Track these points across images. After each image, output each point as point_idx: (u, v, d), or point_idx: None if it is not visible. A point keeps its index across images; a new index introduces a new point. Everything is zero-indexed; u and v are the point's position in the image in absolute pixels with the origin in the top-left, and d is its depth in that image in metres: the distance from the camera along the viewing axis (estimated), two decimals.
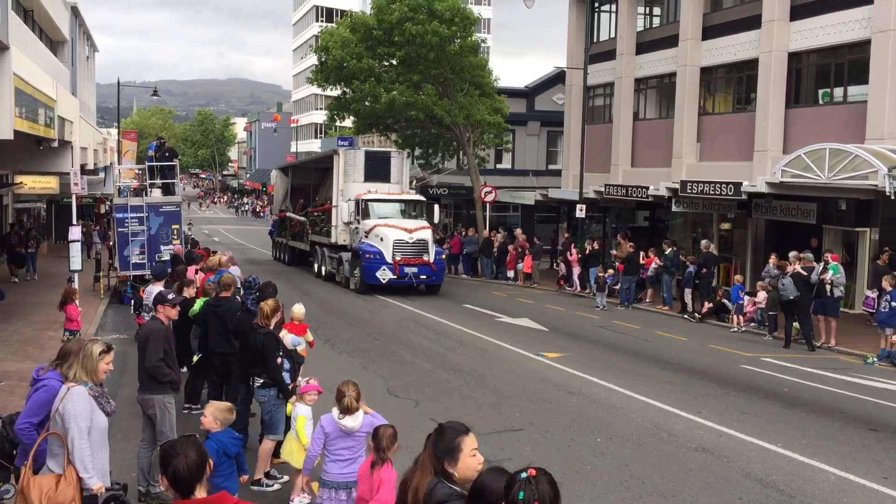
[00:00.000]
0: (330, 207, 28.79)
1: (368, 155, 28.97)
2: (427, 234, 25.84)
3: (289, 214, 35.21)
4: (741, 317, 20.48)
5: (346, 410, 6.75)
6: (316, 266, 30.70)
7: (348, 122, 42.97)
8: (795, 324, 18.98)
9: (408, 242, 25.22)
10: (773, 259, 20.86)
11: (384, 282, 25.00)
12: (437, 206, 29.12)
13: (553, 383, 13.74)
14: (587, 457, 9.80)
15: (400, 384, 13.42)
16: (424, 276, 25.51)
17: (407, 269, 25.05)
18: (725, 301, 21.66)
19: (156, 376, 8.30)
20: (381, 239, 25.28)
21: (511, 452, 9.68)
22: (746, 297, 20.96)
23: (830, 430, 11.19)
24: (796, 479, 9.16)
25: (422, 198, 28.75)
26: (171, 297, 8.99)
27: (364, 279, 25.41)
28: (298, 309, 9.90)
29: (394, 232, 25.33)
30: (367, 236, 25.85)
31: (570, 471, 9.06)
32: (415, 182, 37.53)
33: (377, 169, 28.06)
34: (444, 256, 28.18)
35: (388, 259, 25.05)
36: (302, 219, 33.01)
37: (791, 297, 17.89)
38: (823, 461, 9.72)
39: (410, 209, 27.36)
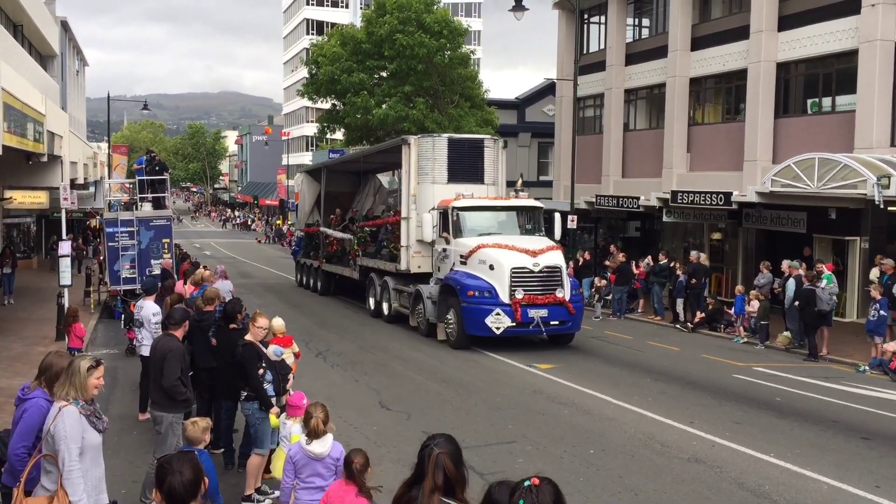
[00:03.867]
0: (395, 220, 21.70)
1: (453, 143, 20.87)
2: (559, 259, 18.29)
3: (323, 230, 28.07)
4: (741, 327, 20.39)
5: (313, 434, 6.32)
6: (371, 300, 23.29)
7: (339, 135, 43.02)
8: (787, 332, 19.03)
9: (532, 272, 17.67)
10: (764, 266, 20.95)
11: (498, 332, 17.37)
12: (557, 216, 21.06)
13: (546, 395, 13.71)
14: (580, 468, 9.77)
15: (391, 396, 13.36)
16: (557, 322, 17.75)
17: (532, 313, 17.47)
18: (729, 311, 21.52)
19: (173, 395, 8.25)
20: (492, 267, 17.72)
21: (504, 465, 9.64)
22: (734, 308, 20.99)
23: (823, 440, 11.19)
24: (789, 489, 9.15)
25: (538, 203, 20.35)
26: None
27: (465, 328, 17.69)
28: (278, 322, 9.79)
29: (510, 256, 17.76)
30: (464, 262, 18.44)
31: (563, 482, 8.96)
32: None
33: (466, 163, 20.73)
34: (581, 290, 20.23)
35: (504, 297, 17.42)
36: (344, 236, 26.05)
37: (828, 308, 17.73)
38: (816, 471, 9.71)
39: (523, 220, 19.69)
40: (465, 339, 17.91)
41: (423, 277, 20.33)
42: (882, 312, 16.60)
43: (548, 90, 41.02)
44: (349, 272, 25.45)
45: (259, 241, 68.69)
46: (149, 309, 12.02)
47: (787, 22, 23.77)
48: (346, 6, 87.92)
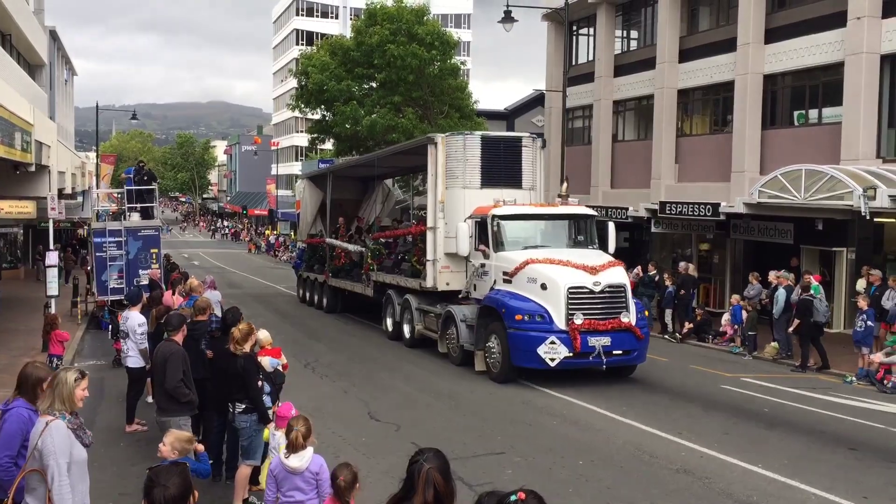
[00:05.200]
0: (419, 230, 19.35)
1: (487, 143, 18.35)
2: (622, 276, 15.80)
3: (329, 241, 25.77)
4: (739, 337, 20.35)
5: (292, 447, 6.26)
6: (389, 321, 20.73)
7: (329, 145, 43.04)
8: (774, 343, 19.10)
9: (592, 292, 15.08)
10: (753, 277, 21.03)
11: (553, 364, 14.74)
12: (612, 226, 18.31)
13: (534, 406, 13.70)
14: (569, 480, 9.76)
15: (380, 407, 13.33)
16: (621, 352, 15.17)
17: (593, 341, 14.85)
18: (725, 319, 21.44)
19: (176, 397, 8.42)
20: (544, 286, 15.12)
21: (492, 476, 9.62)
22: (725, 318, 21.04)
23: (811, 450, 11.22)
24: (777, 500, 9.17)
25: (590, 211, 18.06)
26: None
27: (512, 358, 15.08)
28: (264, 334, 9.74)
29: (566, 273, 15.17)
30: (508, 280, 15.84)
31: (552, 494, 9.00)
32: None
33: (501, 165, 18.29)
34: (647, 312, 17.48)
35: (560, 322, 14.85)
36: (355, 248, 23.82)
37: (824, 319, 17.79)
38: (804, 481, 9.74)
39: (574, 231, 17.34)
40: (512, 371, 15.24)
41: (452, 296, 17.97)
42: (869, 323, 16.69)
43: (537, 101, 41.19)
44: (361, 288, 23.02)
45: (250, 251, 68.38)
46: (134, 320, 11.97)
47: (773, 34, 23.96)
48: (336, 17, 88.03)
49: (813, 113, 23.52)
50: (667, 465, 10.38)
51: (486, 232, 16.63)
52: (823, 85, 22.95)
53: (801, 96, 24.07)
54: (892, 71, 20.89)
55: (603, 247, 17.34)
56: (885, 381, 15.65)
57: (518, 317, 15.06)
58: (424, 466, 4.04)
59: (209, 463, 7.05)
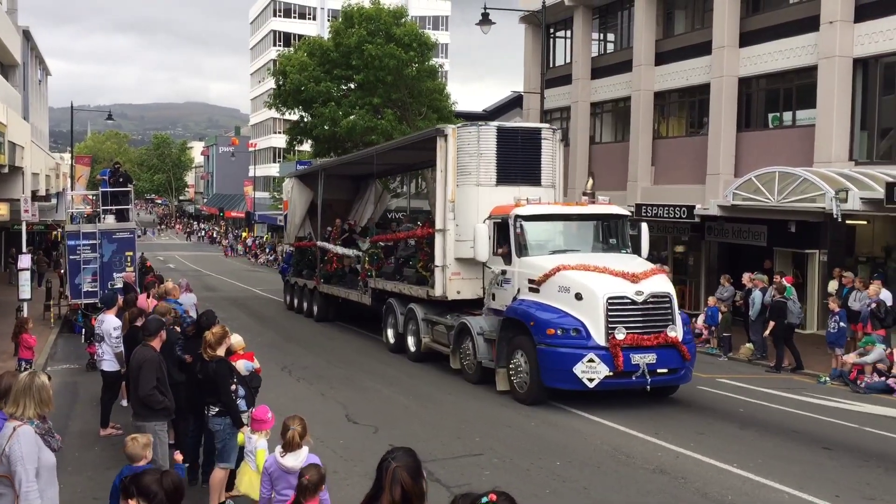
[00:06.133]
0: (425, 233, 17.82)
1: (504, 135, 16.56)
2: (667, 285, 14.06)
3: (321, 244, 24.26)
4: (716, 339, 20.46)
5: (288, 447, 6.41)
6: (390, 332, 19.20)
7: (307, 147, 42.89)
8: (749, 344, 19.28)
9: (635, 303, 13.36)
10: (725, 279, 21.22)
11: (591, 384, 13.10)
12: (644, 227, 16.38)
13: (512, 408, 13.72)
14: (547, 481, 9.80)
15: (359, 411, 13.30)
16: (666, 371, 13.49)
17: (637, 358, 13.16)
18: (700, 321, 21.58)
19: (150, 404, 8.37)
20: (579, 296, 13.40)
21: (470, 478, 9.64)
22: (700, 319, 21.19)
23: (785, 450, 11.34)
24: (752, 499, 9.26)
25: (624, 210, 16.36)
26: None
27: (543, 378, 13.39)
28: (237, 339, 9.66)
29: (604, 282, 13.47)
30: (535, 289, 14.11)
31: (529, 495, 9.04)
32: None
33: (520, 160, 16.53)
34: (693, 324, 16.23)
35: (599, 338, 13.15)
36: (352, 253, 22.20)
37: (798, 321, 17.94)
38: (778, 480, 9.84)
39: (605, 233, 15.77)
40: (542, 391, 13.58)
41: (462, 305, 16.52)
42: (842, 324, 16.91)
43: (515, 103, 41.28)
44: (357, 296, 21.29)
45: (228, 255, 67.81)
46: (109, 323, 11.86)
47: (748, 38, 24.21)
48: (314, 18, 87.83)
49: (787, 116, 23.78)
50: (643, 466, 10.45)
51: (506, 234, 14.90)
52: (797, 88, 23.22)
53: (775, 99, 24.33)
54: (865, 74, 21.18)
55: (635, 251, 15.57)
56: (858, 382, 15.86)
57: (550, 331, 13.32)
58: (392, 465, 4.05)
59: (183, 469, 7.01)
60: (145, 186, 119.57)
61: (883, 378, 15.63)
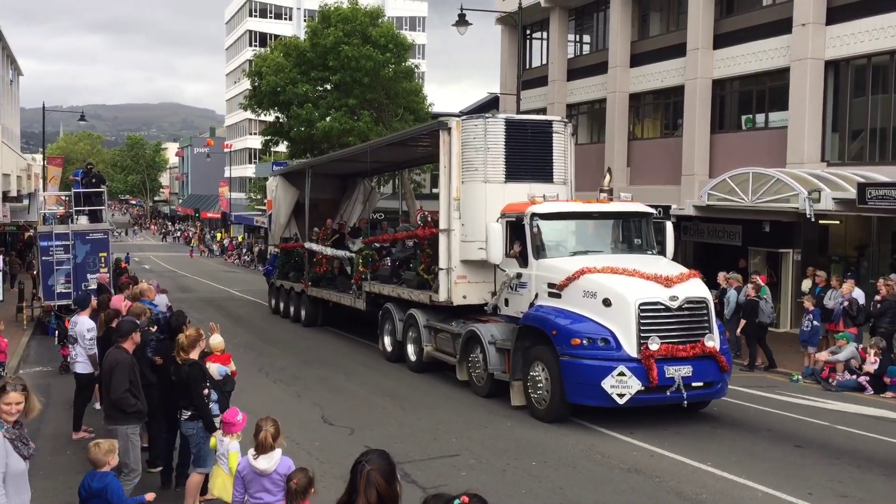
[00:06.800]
0: (427, 233, 16.56)
1: (513, 127, 15.39)
2: (703, 290, 12.82)
3: (309, 245, 22.97)
4: None
5: (261, 448, 6.31)
6: (387, 339, 17.96)
7: (283, 147, 42.72)
8: None
9: (669, 309, 12.15)
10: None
11: (622, 400, 11.91)
12: (670, 226, 15.01)
13: (488, 408, 13.72)
14: (522, 481, 9.82)
15: (335, 412, 13.26)
16: (702, 384, 12.32)
17: (672, 370, 11.95)
18: None
19: (122, 407, 8.28)
20: (607, 302, 12.19)
21: (447, 478, 9.64)
22: None
23: (758, 448, 11.44)
24: (725, 498, 9.33)
25: (649, 209, 14.65)
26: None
27: (567, 392, 12.24)
28: (216, 340, 9.58)
29: (635, 286, 12.24)
30: (556, 293, 12.89)
31: (505, 495, 9.06)
32: None
33: (530, 155, 15.40)
34: (727, 334, 14.63)
35: (630, 348, 11.95)
36: (344, 254, 21.05)
37: (769, 320, 18.13)
38: (751, 479, 9.92)
39: (629, 233, 14.55)
40: (565, 408, 12.45)
41: (468, 311, 15.51)
42: (815, 323, 17.11)
43: (491, 104, 41.28)
44: (350, 300, 20.11)
45: (192, 256, 66.88)
46: (83, 324, 11.74)
47: (722, 40, 24.43)
48: (290, 18, 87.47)
49: (760, 117, 24.03)
50: (618, 465, 10.50)
51: (521, 234, 13.73)
52: (770, 90, 23.47)
53: (748, 101, 24.58)
54: (836, 77, 21.46)
55: (660, 251, 14.48)
56: (830, 380, 16.04)
57: (575, 341, 12.06)
58: (366, 468, 4.04)
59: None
60: (119, 187, 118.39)
61: (854, 376, 15.82)
